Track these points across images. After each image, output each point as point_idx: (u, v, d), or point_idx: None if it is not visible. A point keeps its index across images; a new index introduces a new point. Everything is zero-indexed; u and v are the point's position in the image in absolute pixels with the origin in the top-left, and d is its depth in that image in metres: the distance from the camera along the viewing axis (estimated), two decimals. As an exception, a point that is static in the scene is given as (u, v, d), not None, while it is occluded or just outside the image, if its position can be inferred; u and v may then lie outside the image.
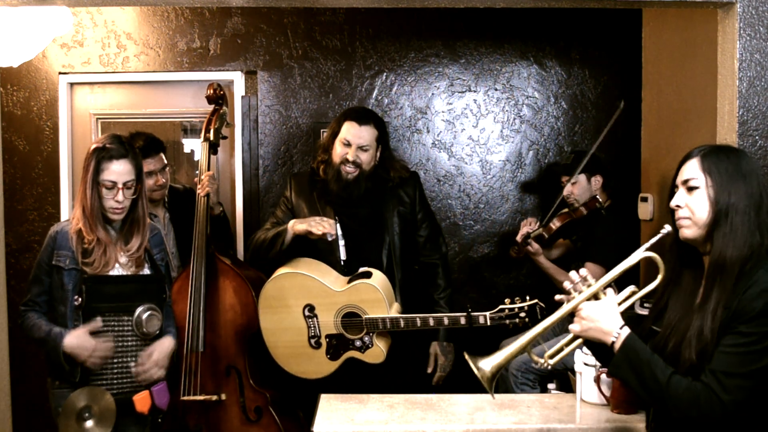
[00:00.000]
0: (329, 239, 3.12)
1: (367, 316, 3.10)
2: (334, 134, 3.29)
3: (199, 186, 3.48)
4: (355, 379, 3.15)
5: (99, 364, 2.69)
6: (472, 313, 3.01)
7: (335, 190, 3.26)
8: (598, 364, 2.68)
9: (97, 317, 2.70)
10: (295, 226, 3.18)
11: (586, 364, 2.73)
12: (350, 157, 3.21)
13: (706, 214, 1.94)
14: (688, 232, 1.98)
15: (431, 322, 3.06)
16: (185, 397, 3.32)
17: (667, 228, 2.02)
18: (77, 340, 2.64)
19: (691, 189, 1.97)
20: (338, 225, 3.29)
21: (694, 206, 1.96)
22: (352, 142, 3.23)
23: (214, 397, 3.35)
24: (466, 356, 2.15)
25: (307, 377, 3.21)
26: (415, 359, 3.43)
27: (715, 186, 1.93)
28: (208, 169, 3.52)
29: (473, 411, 2.68)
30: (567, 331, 3.72)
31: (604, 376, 2.65)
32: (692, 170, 1.98)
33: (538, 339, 3.74)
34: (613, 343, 1.97)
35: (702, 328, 1.89)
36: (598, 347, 2.07)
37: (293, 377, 3.25)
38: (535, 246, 3.63)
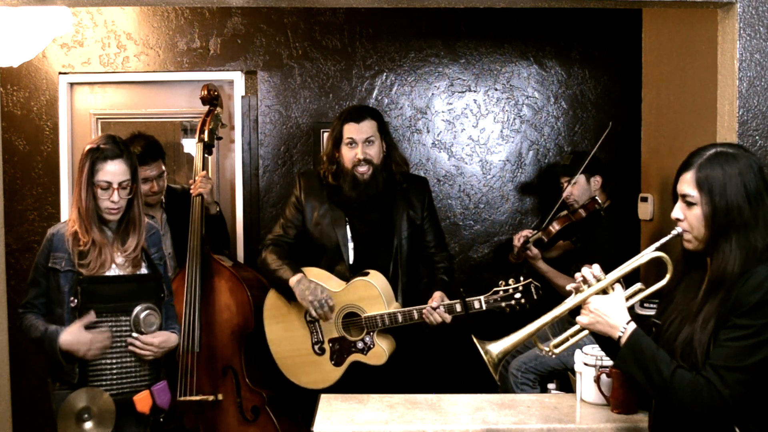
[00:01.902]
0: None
1: (366, 315, 3.10)
2: (337, 141, 3.28)
3: (192, 187, 3.48)
4: (357, 384, 3.14)
5: (98, 355, 2.68)
6: (467, 299, 3.00)
7: (354, 195, 3.25)
8: (598, 364, 2.68)
9: (91, 311, 2.68)
10: (297, 291, 3.12)
11: (586, 364, 2.73)
12: (360, 156, 3.21)
13: (703, 231, 1.94)
14: (689, 245, 2.00)
15: None
16: (182, 398, 3.32)
17: (678, 230, 2.02)
18: (72, 336, 2.64)
19: (689, 204, 1.97)
20: (348, 228, 3.28)
21: (692, 221, 1.96)
22: (357, 139, 3.22)
23: (211, 398, 3.36)
24: (474, 339, 2.17)
25: (315, 387, 3.19)
26: (416, 360, 3.43)
27: (710, 204, 1.91)
28: (203, 170, 3.53)
29: (473, 411, 2.68)
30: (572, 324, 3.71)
31: (604, 377, 2.65)
32: (688, 184, 1.96)
33: (547, 332, 3.73)
34: (620, 337, 1.99)
35: (691, 338, 1.91)
36: (604, 339, 2.09)
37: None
38: (534, 251, 3.64)
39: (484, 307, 2.99)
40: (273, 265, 3.23)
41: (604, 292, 2.07)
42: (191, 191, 3.48)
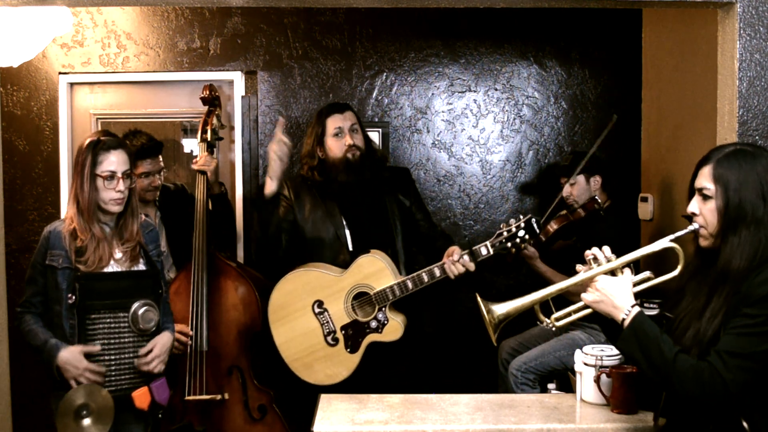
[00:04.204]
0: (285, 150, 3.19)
1: (375, 291, 3.11)
2: (320, 136, 3.34)
3: (194, 161, 3.52)
4: (373, 372, 3.15)
5: (86, 382, 2.66)
6: (473, 248, 3.03)
7: (349, 180, 3.28)
8: (598, 364, 2.68)
9: (97, 343, 2.69)
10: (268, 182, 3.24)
11: (586, 364, 2.73)
12: (350, 141, 3.28)
13: (717, 224, 1.95)
14: (704, 242, 2.01)
15: (437, 273, 3.07)
16: (189, 397, 3.32)
17: (696, 225, 2.02)
18: (70, 355, 2.64)
19: (705, 198, 1.98)
20: (342, 216, 3.31)
21: (707, 216, 1.98)
22: (344, 127, 3.30)
23: (218, 397, 3.36)
24: (478, 298, 2.18)
25: (333, 382, 3.17)
26: (416, 359, 3.43)
27: (724, 197, 1.93)
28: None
29: (473, 411, 2.68)
30: (567, 332, 3.72)
31: (604, 377, 2.65)
32: (706, 178, 1.97)
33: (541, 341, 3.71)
34: (624, 320, 2.00)
35: (697, 334, 1.92)
36: (606, 321, 2.09)
37: (295, 375, 3.24)
38: (531, 250, 3.62)
39: (491, 252, 3.01)
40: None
41: (612, 273, 2.08)
42: (193, 166, 3.51)
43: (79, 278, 2.69)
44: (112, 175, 2.71)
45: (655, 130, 3.92)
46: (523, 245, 2.99)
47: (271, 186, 3.26)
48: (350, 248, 3.28)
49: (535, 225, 2.96)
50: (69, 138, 4.18)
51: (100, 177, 2.70)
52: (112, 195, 2.72)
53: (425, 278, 3.07)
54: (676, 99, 3.60)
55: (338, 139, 3.30)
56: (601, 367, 2.67)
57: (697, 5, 2.77)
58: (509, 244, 2.98)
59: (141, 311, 2.76)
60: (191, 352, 3.33)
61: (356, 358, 3.16)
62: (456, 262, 3.05)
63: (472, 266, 3.05)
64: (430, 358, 3.98)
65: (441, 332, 4.16)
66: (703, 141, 3.16)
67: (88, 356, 2.67)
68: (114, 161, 2.72)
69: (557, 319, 2.18)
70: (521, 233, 2.97)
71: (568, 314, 2.18)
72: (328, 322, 3.19)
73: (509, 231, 2.98)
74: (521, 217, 3.02)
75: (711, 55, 2.95)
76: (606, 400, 2.66)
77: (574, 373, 2.87)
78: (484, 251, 3.01)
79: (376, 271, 3.12)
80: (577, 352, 2.81)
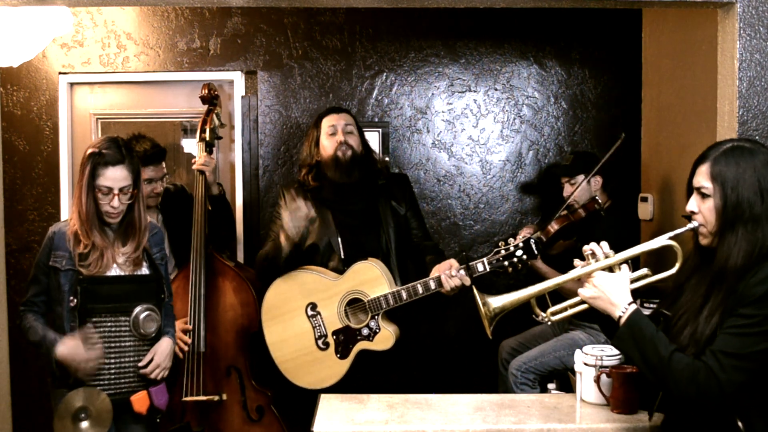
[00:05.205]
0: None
1: (369, 298, 3.10)
2: (317, 138, 3.36)
3: (194, 161, 3.52)
4: (360, 380, 3.14)
5: (91, 373, 2.68)
6: (470, 263, 3.01)
7: (336, 178, 3.28)
8: (598, 364, 2.68)
9: (89, 324, 2.68)
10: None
11: (586, 364, 2.73)
12: (341, 138, 3.28)
13: (715, 223, 1.95)
14: (704, 240, 2.00)
15: (432, 285, 3.06)
16: (187, 398, 3.32)
17: (695, 223, 2.02)
18: (68, 349, 2.64)
19: (703, 196, 1.97)
20: (334, 223, 3.30)
21: (706, 214, 1.97)
22: (338, 126, 3.31)
23: (216, 398, 3.36)
24: (475, 291, 2.18)
25: (321, 386, 3.15)
26: (416, 360, 3.43)
27: (722, 196, 1.92)
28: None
29: (473, 411, 2.67)
30: (566, 332, 3.72)
31: (604, 377, 2.65)
32: (704, 176, 1.97)
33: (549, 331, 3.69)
34: (620, 317, 2.00)
35: (694, 333, 1.92)
36: (603, 317, 2.09)
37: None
38: None
39: (487, 269, 3.00)
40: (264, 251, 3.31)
41: (610, 270, 2.08)
42: (193, 167, 3.51)
43: (81, 281, 2.69)
44: (108, 191, 2.71)
45: (655, 130, 3.92)
46: (519, 265, 2.97)
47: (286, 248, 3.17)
48: (342, 256, 3.26)
49: (534, 246, 2.95)
50: (69, 138, 4.18)
51: (97, 190, 2.71)
52: (107, 209, 2.72)
53: (420, 290, 3.07)
54: (676, 99, 3.60)
55: (332, 137, 3.31)
56: (601, 367, 2.67)
57: (697, 5, 2.77)
58: (506, 263, 2.97)
59: (142, 316, 2.76)
60: (189, 353, 3.33)
61: (345, 364, 3.16)
62: (453, 276, 3.03)
63: (468, 280, 3.03)
64: (427, 360, 3.98)
65: (440, 332, 4.16)
66: (703, 141, 3.16)
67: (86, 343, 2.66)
68: (111, 177, 2.70)
69: (553, 314, 2.18)
70: (519, 253, 2.95)
71: (564, 309, 2.18)
72: (320, 325, 3.18)
73: (507, 249, 2.96)
74: (520, 236, 3.01)
75: (711, 55, 2.95)
76: (606, 400, 2.66)
77: (574, 373, 2.87)
78: (480, 267, 3.00)
79: (372, 278, 3.11)
80: (577, 352, 2.81)
